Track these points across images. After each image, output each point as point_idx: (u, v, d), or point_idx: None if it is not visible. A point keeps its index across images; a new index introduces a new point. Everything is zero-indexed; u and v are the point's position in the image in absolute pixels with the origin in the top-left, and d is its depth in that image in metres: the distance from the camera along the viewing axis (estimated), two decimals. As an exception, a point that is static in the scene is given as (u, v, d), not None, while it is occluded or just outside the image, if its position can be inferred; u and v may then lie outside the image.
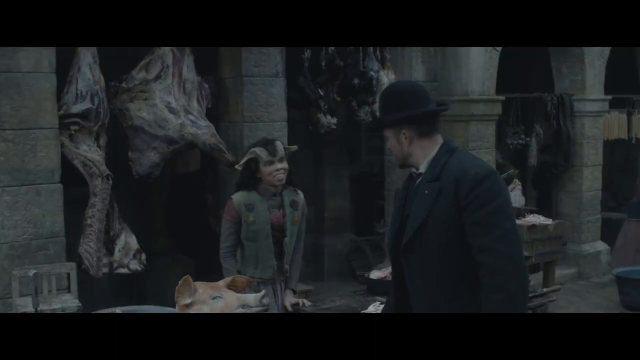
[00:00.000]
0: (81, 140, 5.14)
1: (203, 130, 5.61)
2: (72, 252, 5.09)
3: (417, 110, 2.56)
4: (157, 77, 5.47)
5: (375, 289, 4.17)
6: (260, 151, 3.80)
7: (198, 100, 5.72)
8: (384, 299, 3.83)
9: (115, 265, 5.38)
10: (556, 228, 6.55)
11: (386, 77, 6.81)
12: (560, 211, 8.20)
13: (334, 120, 6.45)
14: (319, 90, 6.36)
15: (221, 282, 3.01)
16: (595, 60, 8.06)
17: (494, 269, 2.34)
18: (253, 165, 3.83)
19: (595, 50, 8.01)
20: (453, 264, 2.45)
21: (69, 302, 4.02)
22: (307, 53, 6.23)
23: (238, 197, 3.85)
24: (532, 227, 6.37)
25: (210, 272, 7.30)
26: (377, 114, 6.88)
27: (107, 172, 5.14)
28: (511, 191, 6.85)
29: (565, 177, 8.21)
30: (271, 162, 3.79)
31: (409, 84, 2.80)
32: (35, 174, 4.80)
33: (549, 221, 6.47)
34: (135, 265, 5.49)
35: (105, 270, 5.26)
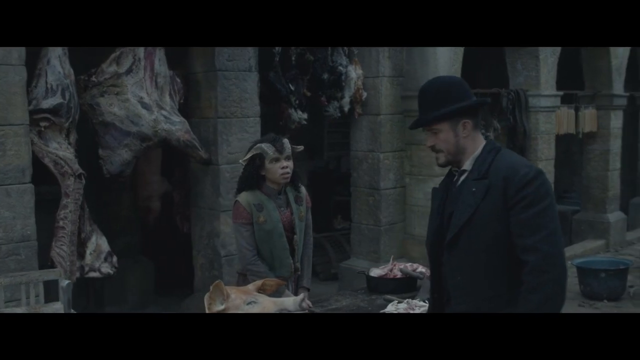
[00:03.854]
0: (51, 137, 4.84)
1: (177, 127, 5.40)
2: (41, 256, 4.78)
3: (479, 100, 2.56)
4: (129, 71, 5.22)
5: (377, 287, 4.09)
6: (267, 147, 3.66)
7: (170, 95, 5.50)
8: (394, 298, 3.77)
9: (86, 269, 5.11)
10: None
11: (354, 72, 6.76)
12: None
13: (305, 116, 6.34)
14: (290, 85, 6.23)
15: (251, 286, 2.86)
16: (548, 57, 8.24)
17: (537, 269, 2.34)
18: (258, 161, 3.69)
19: (549, 47, 8.20)
20: (496, 262, 2.44)
21: (60, 311, 3.73)
22: (278, 47, 6.09)
23: (245, 198, 3.69)
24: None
25: (173, 275, 7.11)
26: (345, 109, 6.83)
27: (80, 170, 4.86)
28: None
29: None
30: (277, 159, 3.66)
31: (457, 77, 2.74)
32: (5, 174, 4.48)
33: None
34: (107, 269, 5.23)
35: (77, 274, 4.98)
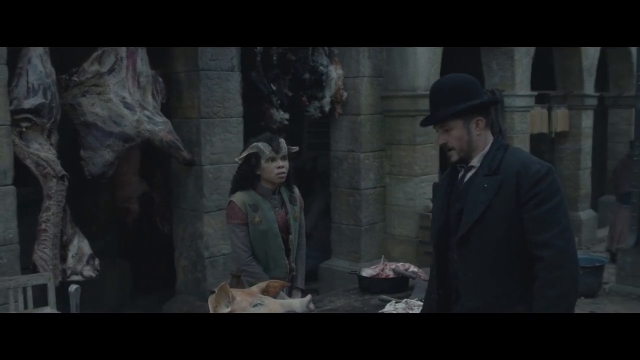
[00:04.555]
0: (32, 138, 4.73)
1: (160, 127, 5.32)
2: (22, 259, 4.66)
3: (492, 98, 2.56)
4: (111, 70, 5.13)
5: (370, 287, 4.07)
6: (263, 146, 3.63)
7: (153, 95, 5.42)
8: (390, 298, 3.76)
9: (68, 272, 5.00)
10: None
11: (335, 72, 6.75)
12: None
13: (287, 116, 6.31)
14: (272, 85, 6.19)
15: (255, 288, 2.81)
16: (523, 57, 8.34)
17: (552, 265, 2.35)
18: (254, 160, 3.65)
19: (523, 47, 8.30)
20: (508, 258, 2.44)
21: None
22: (259, 47, 6.05)
23: (240, 198, 3.65)
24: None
25: (152, 277, 7.00)
26: (326, 109, 6.82)
27: (63, 172, 4.76)
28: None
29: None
30: (274, 159, 3.63)
31: (470, 76, 2.73)
32: (-14, 176, 4.37)
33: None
34: (89, 272, 5.14)
35: (59, 278, 4.87)
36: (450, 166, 2.68)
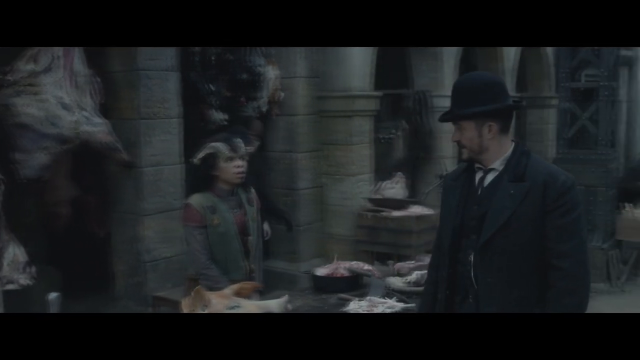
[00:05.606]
0: (-36, 140, 4.49)
1: (99, 128, 5.15)
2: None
3: (508, 104, 2.57)
4: (47, 70, 4.91)
5: (326, 286, 4.09)
6: (221, 146, 3.58)
7: (91, 95, 5.23)
8: (351, 297, 3.78)
9: (4, 281, 4.78)
10: (438, 217, 6.87)
11: (272, 73, 6.73)
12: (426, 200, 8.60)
13: (226, 116, 6.24)
14: (210, 86, 6.11)
15: (228, 291, 2.77)
16: (450, 59, 8.56)
17: (573, 275, 2.42)
18: (211, 161, 3.60)
19: (452, 48, 8.51)
20: (528, 264, 2.48)
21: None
22: (197, 47, 5.96)
23: (198, 200, 3.58)
24: (420, 217, 6.64)
25: (84, 283, 6.76)
26: (264, 109, 6.78)
27: (0, 176, 4.54)
28: (396, 184, 7.09)
29: (426, 169, 8.66)
30: (232, 159, 3.59)
31: (496, 76, 2.71)
32: None
33: (431, 211, 6.77)
34: (25, 280, 4.93)
35: (-6, 287, 4.65)
36: (464, 165, 2.68)
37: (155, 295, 5.41)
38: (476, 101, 2.51)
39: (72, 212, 6.27)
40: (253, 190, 3.87)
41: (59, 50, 4.95)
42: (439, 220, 2.80)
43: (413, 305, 3.51)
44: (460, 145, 2.60)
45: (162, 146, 5.59)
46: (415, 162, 8.58)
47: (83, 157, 5.89)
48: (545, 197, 2.44)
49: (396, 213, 6.74)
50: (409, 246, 6.63)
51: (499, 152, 2.56)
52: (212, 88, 6.12)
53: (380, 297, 3.71)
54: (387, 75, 8.17)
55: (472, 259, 2.54)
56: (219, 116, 6.19)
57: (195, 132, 6.53)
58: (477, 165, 2.62)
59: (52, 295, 2.99)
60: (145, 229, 5.57)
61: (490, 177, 2.58)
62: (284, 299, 2.70)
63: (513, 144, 2.60)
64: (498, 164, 2.56)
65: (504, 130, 2.57)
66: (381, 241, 6.77)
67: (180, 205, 5.22)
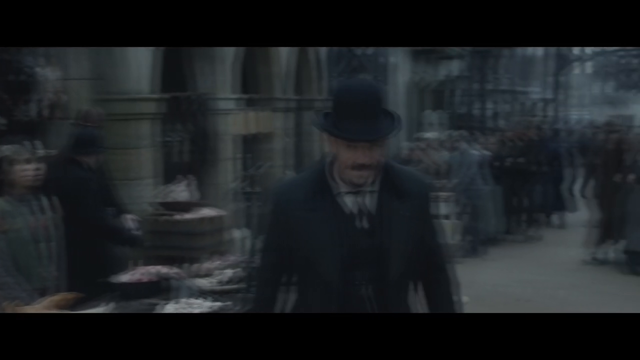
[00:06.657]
0: None
1: None
2: None
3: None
4: None
5: (131, 293, 4.00)
6: (15, 148, 3.44)
7: None
8: (158, 301, 3.75)
9: None
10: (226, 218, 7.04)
11: (51, 74, 6.40)
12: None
13: (4, 121, 5.83)
14: (-15, 88, 5.68)
15: (47, 303, 2.67)
16: (229, 61, 8.69)
17: (443, 267, 2.51)
18: (5, 165, 3.44)
19: (230, 50, 8.66)
20: (413, 272, 2.44)
21: None
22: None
23: None
24: (211, 219, 6.75)
25: None
26: (44, 113, 6.42)
27: None
28: (186, 187, 7.11)
29: (213, 171, 8.74)
30: (28, 161, 3.47)
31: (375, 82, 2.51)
32: None
33: (222, 212, 6.89)
34: None
35: None
36: (308, 186, 2.32)
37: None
38: (387, 113, 2.25)
39: None
40: (55, 197, 3.74)
41: None
42: (288, 251, 2.39)
43: (229, 303, 3.62)
44: (370, 168, 2.23)
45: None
46: (202, 165, 8.62)
47: None
48: (423, 207, 2.38)
49: (187, 216, 6.77)
50: (202, 248, 6.69)
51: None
52: (-12, 90, 5.70)
53: (189, 298, 3.75)
54: (175, 78, 8.16)
55: (371, 292, 2.32)
56: (-3, 121, 5.78)
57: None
58: (345, 189, 2.28)
59: None
60: None
61: (370, 200, 2.31)
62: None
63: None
64: (377, 184, 2.30)
65: None
66: (174, 244, 6.75)
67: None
